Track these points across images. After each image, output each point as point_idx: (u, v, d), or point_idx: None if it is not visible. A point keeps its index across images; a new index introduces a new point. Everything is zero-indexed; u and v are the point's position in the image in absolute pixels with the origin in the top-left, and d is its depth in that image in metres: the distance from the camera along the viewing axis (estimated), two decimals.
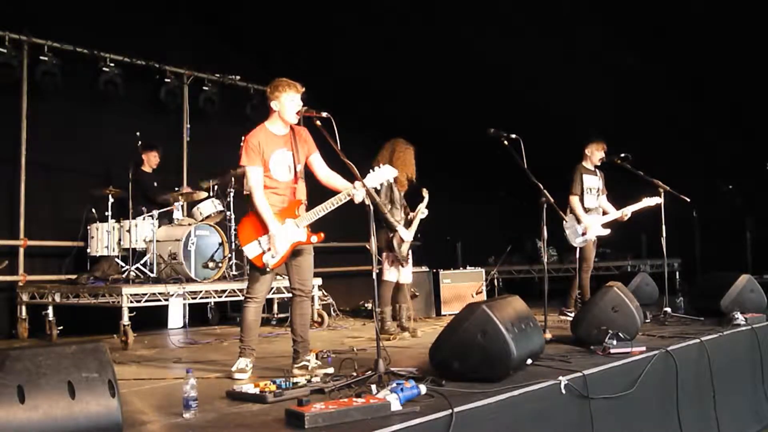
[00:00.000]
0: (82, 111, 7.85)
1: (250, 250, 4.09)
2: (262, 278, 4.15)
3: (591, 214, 6.75)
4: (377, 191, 5.89)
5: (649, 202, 6.47)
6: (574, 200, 6.72)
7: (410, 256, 6.36)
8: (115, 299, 6.04)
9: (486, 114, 6.94)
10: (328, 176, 4.25)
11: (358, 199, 4.01)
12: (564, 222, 6.50)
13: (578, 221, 6.69)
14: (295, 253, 4.19)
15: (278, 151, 4.14)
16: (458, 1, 7.74)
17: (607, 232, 6.73)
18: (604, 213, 6.83)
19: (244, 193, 4.28)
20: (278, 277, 5.75)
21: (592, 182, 6.84)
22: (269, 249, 4.06)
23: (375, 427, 2.59)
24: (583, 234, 6.68)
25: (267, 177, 4.12)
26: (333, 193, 4.13)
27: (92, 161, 7.77)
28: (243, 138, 4.17)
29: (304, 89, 4.20)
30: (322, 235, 4.18)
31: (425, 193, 6.42)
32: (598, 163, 6.86)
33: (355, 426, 2.63)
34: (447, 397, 2.96)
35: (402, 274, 6.31)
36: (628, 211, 6.63)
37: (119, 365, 4.68)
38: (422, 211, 6.27)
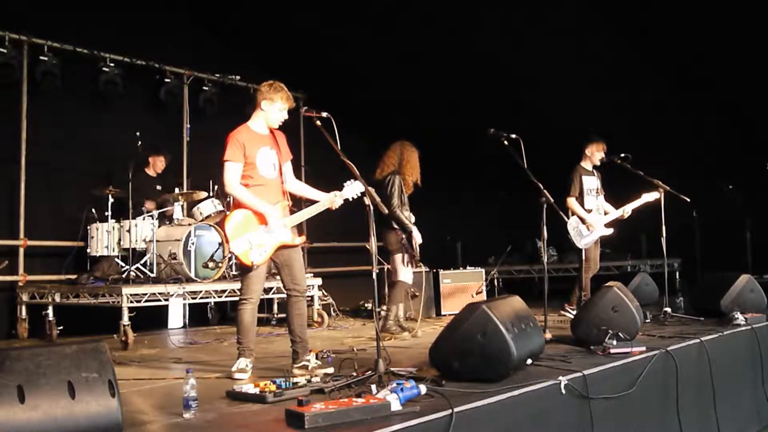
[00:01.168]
0: (82, 111, 7.86)
1: (238, 246, 4.06)
2: (255, 278, 4.15)
3: (592, 215, 6.74)
4: (391, 193, 5.96)
5: (648, 197, 6.46)
6: (572, 202, 6.70)
7: None
8: (115, 299, 6.04)
9: (486, 114, 6.94)
10: (295, 183, 4.40)
11: (336, 206, 4.20)
12: (567, 224, 6.50)
13: (581, 222, 6.67)
14: (283, 252, 4.20)
15: (263, 149, 4.20)
16: (459, 1, 7.74)
17: (610, 231, 6.72)
18: (605, 213, 6.82)
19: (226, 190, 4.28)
20: (277, 277, 5.74)
21: (591, 183, 6.82)
22: (258, 246, 4.07)
23: (375, 427, 2.58)
24: (588, 233, 6.66)
25: (255, 174, 4.16)
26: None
27: (92, 161, 7.77)
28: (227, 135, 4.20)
29: (294, 106, 4.28)
30: (304, 237, 4.24)
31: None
32: (598, 164, 6.85)
33: (355, 426, 2.63)
34: (447, 397, 2.95)
35: None
36: (628, 209, 6.62)
37: (119, 365, 4.68)
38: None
